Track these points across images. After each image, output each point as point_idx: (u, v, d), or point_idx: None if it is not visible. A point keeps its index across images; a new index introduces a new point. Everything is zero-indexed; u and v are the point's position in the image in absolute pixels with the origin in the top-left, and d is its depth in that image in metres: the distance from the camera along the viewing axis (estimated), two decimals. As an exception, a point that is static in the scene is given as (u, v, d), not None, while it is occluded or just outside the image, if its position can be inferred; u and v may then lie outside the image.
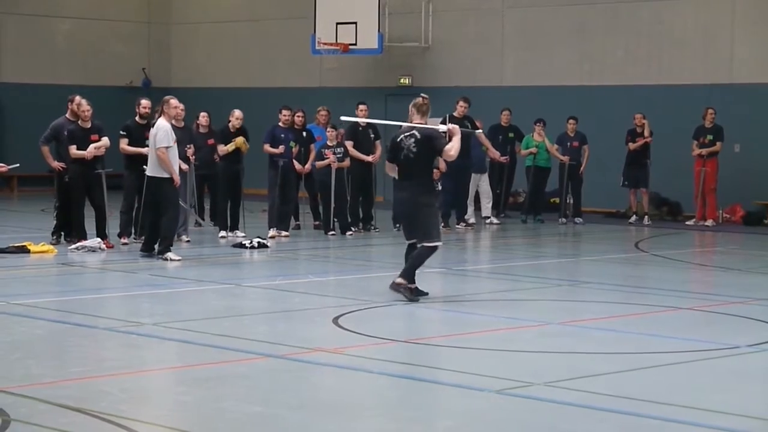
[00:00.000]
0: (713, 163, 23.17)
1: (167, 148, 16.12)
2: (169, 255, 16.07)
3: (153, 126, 16.47)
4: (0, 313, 11.70)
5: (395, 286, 12.85)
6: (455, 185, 21.64)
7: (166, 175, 16.15)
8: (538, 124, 23.82)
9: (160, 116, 16.35)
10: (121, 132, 17.87)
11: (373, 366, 9.40)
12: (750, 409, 8.19)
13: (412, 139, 12.82)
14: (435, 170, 13.43)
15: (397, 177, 12.99)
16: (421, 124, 12.97)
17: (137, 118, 18.02)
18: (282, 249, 18.25)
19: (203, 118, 20.43)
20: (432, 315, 12.47)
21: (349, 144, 20.76)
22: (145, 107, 18.04)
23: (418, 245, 12.92)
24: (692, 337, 11.05)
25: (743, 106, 24.26)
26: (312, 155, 20.38)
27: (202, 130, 20.19)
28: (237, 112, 19.77)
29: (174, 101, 16.61)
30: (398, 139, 12.94)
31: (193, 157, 20.01)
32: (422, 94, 13.29)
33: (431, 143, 12.85)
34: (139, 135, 17.81)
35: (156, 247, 16.42)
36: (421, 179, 12.87)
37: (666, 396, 8.48)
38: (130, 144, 17.79)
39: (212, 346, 10.17)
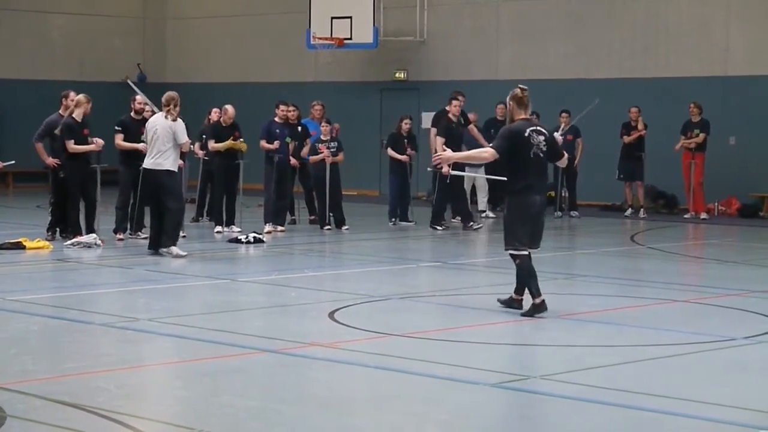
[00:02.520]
0: (701, 156, 23.19)
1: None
2: (174, 250, 15.98)
3: (149, 120, 16.45)
4: (-4, 310, 11.71)
5: (541, 306, 11.58)
6: (449, 180, 21.61)
7: (168, 168, 16.08)
8: (532, 116, 23.77)
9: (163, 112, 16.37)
10: (117, 127, 17.89)
11: (369, 360, 9.40)
12: (746, 401, 8.19)
13: (542, 137, 11.66)
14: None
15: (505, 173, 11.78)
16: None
17: (132, 114, 18.04)
18: (278, 244, 18.24)
19: (215, 113, 20.40)
20: (428, 309, 12.46)
21: (440, 141, 20.44)
22: (140, 102, 18.06)
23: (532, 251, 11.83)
24: (688, 329, 11.05)
25: (738, 99, 24.28)
26: (306, 149, 20.39)
27: (224, 123, 20.02)
28: (230, 111, 19.69)
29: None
30: (526, 134, 11.58)
31: (203, 152, 20.03)
32: (520, 85, 12.04)
33: (555, 147, 11.89)
34: (135, 130, 17.87)
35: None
36: (546, 182, 12.02)
37: (662, 388, 8.48)
38: (125, 139, 17.81)
39: (208, 341, 10.17)
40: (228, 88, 29.88)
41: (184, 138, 16.15)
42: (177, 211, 16.25)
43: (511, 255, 11.78)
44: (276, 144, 19.55)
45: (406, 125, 21.42)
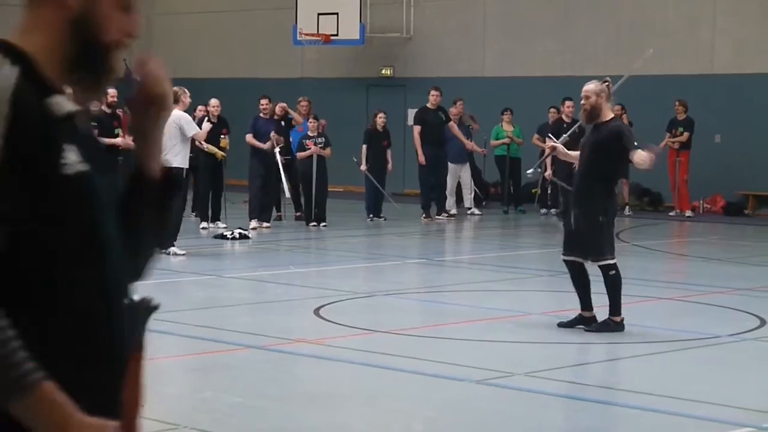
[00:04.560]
0: (685, 154, 23.27)
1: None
2: (173, 249, 15.90)
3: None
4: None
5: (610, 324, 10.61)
6: (434, 176, 21.68)
7: (176, 165, 15.98)
8: (505, 113, 23.86)
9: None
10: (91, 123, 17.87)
11: (354, 357, 9.41)
12: (730, 398, 8.21)
13: None
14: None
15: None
16: None
17: (104, 107, 18.05)
18: (263, 240, 18.23)
19: (200, 111, 20.53)
20: (413, 306, 12.48)
21: (416, 128, 20.74)
22: (112, 96, 18.11)
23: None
24: (672, 327, 11.08)
25: (724, 97, 24.32)
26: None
27: (212, 118, 20.04)
28: (213, 101, 19.79)
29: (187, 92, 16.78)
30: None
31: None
32: (607, 78, 11.29)
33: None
34: (108, 124, 17.91)
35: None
36: None
37: (646, 386, 8.50)
38: (98, 134, 17.79)
39: (193, 337, 10.17)
40: (214, 84, 29.82)
41: (191, 131, 16.10)
42: (178, 210, 16.21)
43: (606, 266, 10.56)
44: (268, 144, 19.55)
45: (380, 120, 21.46)
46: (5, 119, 2.36)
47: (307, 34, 27.92)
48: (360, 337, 10.36)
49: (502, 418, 7.74)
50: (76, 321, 2.44)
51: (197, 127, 16.32)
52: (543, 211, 23.59)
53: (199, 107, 20.52)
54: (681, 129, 23.27)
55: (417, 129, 21.55)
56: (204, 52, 31.93)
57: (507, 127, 23.87)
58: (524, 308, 11.96)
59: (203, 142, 19.34)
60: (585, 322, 10.67)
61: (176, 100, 16.14)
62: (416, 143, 21.55)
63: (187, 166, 16.20)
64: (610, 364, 9.39)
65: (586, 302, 10.72)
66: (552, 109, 23.49)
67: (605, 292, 10.60)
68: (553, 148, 11.47)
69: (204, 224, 19.43)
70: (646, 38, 25.46)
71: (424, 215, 21.57)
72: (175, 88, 16.23)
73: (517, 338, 10.46)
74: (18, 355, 2.29)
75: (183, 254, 15.81)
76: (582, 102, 10.91)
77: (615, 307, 10.60)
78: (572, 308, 12.13)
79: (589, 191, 10.57)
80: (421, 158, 21.47)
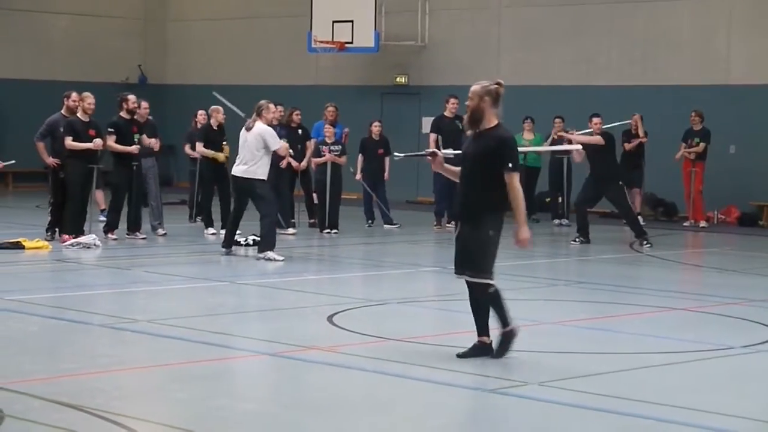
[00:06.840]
0: (701, 165, 23.23)
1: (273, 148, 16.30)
2: (270, 254, 16.07)
3: (250, 129, 16.32)
4: (-6, 309, 11.71)
5: (516, 331, 9.76)
6: (448, 184, 21.64)
7: (260, 177, 16.13)
8: (526, 121, 23.80)
9: (255, 120, 16.36)
10: (110, 129, 17.88)
11: (368, 364, 9.40)
12: (744, 409, 8.19)
13: None
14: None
15: None
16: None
17: (123, 114, 18.08)
18: (277, 247, 18.20)
19: (201, 116, 20.79)
20: (426, 314, 12.46)
21: (432, 136, 20.92)
22: (134, 102, 18.16)
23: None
24: (686, 337, 11.06)
25: (738, 108, 24.29)
26: (309, 152, 20.48)
27: (215, 126, 20.18)
28: (221, 109, 19.83)
29: (272, 105, 16.65)
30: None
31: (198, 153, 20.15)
32: (498, 80, 9.77)
33: None
34: (127, 131, 17.95)
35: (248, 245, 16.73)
36: None
37: (660, 396, 8.48)
38: (117, 141, 17.82)
39: (206, 344, 10.16)
40: (227, 91, 29.81)
41: (275, 144, 16.15)
42: (271, 217, 16.28)
43: (485, 284, 9.67)
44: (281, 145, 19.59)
45: (375, 128, 21.61)
46: None
47: (321, 42, 27.95)
48: (373, 345, 10.35)
49: (515, 428, 7.73)
50: None
51: (280, 142, 16.40)
52: (555, 221, 23.55)
53: (200, 112, 20.75)
54: (697, 140, 23.22)
55: (433, 137, 21.52)
56: (218, 59, 31.97)
57: (528, 136, 23.81)
58: (537, 317, 11.93)
59: (204, 149, 19.38)
60: (485, 350, 9.72)
61: (259, 113, 16.26)
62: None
63: (266, 177, 16.28)
64: (623, 374, 9.36)
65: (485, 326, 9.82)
66: (557, 120, 23.38)
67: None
68: (434, 154, 10.24)
69: (212, 230, 19.37)
70: (660, 48, 25.46)
71: (435, 223, 21.56)
72: (261, 101, 16.38)
73: (531, 347, 10.43)
74: None
75: (282, 260, 16.00)
76: (467, 104, 9.75)
77: (484, 328, 9.76)
78: (584, 317, 12.13)
79: (477, 204, 9.61)
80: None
